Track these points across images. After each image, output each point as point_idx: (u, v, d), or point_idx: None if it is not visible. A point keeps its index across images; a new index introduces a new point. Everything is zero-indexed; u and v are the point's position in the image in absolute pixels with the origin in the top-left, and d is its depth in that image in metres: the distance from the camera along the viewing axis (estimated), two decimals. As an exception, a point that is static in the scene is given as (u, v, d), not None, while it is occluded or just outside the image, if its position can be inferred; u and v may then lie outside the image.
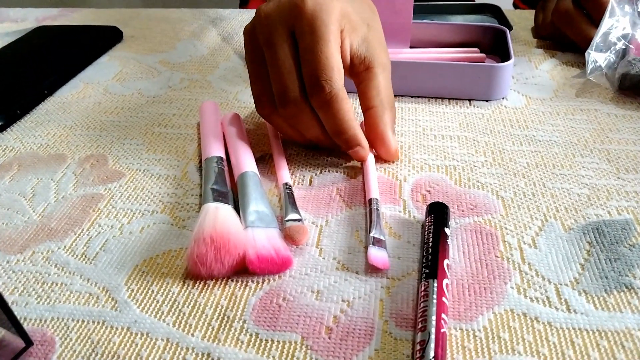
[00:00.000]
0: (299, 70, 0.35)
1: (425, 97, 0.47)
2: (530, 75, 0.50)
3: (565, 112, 0.44)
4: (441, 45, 0.53)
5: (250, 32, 0.37)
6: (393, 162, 0.38)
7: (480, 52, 0.51)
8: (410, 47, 0.52)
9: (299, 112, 0.36)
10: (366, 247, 0.31)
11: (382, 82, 0.37)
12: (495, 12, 0.61)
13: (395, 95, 0.47)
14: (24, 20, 0.71)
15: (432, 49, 0.52)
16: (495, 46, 0.51)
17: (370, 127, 0.37)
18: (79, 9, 0.75)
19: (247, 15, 0.68)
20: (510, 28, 0.56)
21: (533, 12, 0.61)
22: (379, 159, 0.39)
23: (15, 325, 0.25)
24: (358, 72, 0.37)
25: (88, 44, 0.60)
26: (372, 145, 0.38)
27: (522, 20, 0.61)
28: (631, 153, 0.39)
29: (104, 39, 0.61)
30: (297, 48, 0.35)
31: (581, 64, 0.51)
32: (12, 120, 0.46)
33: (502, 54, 0.49)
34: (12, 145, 0.43)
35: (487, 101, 0.45)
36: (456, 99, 0.46)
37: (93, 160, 0.41)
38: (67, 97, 0.50)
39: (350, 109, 0.35)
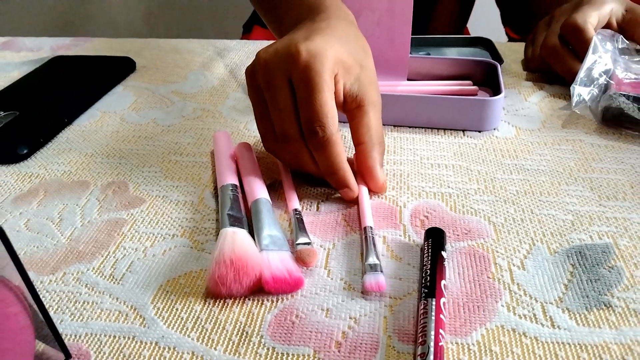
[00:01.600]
0: (297, 112, 0.38)
1: (422, 128, 0.50)
2: (520, 107, 0.53)
3: (552, 142, 0.47)
4: (437, 78, 0.57)
5: (251, 74, 0.40)
6: (382, 194, 0.42)
7: (473, 84, 0.55)
8: (408, 80, 0.56)
9: (298, 150, 0.39)
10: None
11: (373, 119, 0.40)
12: (487, 45, 0.65)
13: (394, 126, 0.50)
14: (40, 49, 0.75)
15: (428, 82, 0.56)
16: (487, 78, 0.55)
17: (360, 161, 0.41)
18: (91, 38, 0.78)
19: (253, 46, 0.71)
20: (501, 62, 0.59)
21: (523, 45, 0.65)
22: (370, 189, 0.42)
23: (57, 338, 0.28)
24: (350, 109, 0.40)
25: (103, 74, 0.63)
26: (362, 178, 0.41)
27: (513, 53, 0.65)
28: (612, 181, 0.42)
29: (118, 69, 0.64)
30: (295, 92, 0.38)
31: (567, 96, 0.55)
32: (36, 148, 0.49)
33: (494, 86, 0.53)
34: (37, 172, 0.46)
35: (479, 132, 0.49)
36: (451, 130, 0.50)
37: (115, 186, 0.44)
38: (86, 126, 0.53)
39: (342, 152, 0.39)
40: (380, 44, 0.53)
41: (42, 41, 0.78)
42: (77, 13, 1.77)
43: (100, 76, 0.62)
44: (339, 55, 0.39)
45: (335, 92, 0.39)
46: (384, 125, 0.49)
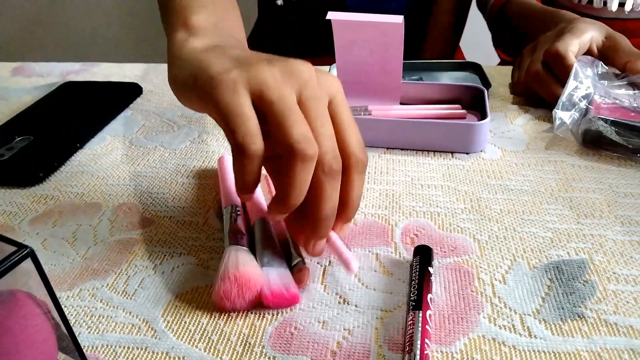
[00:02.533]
0: None
1: (413, 150, 0.53)
2: (505, 130, 0.56)
3: (535, 163, 0.51)
4: (428, 102, 0.60)
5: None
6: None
7: (463, 108, 0.58)
8: (400, 104, 0.59)
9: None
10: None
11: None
12: (477, 69, 0.69)
13: (387, 148, 0.53)
14: (50, 74, 0.78)
15: (420, 106, 0.59)
16: (475, 102, 0.58)
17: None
18: (98, 63, 0.82)
19: (254, 71, 0.75)
20: (488, 86, 0.63)
21: (511, 69, 0.68)
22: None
23: (78, 349, 0.31)
24: None
25: (111, 99, 0.66)
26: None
27: (501, 77, 0.69)
28: (590, 200, 0.45)
29: (125, 94, 0.68)
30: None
31: (551, 119, 0.58)
32: (50, 171, 0.52)
33: (482, 110, 0.56)
34: (52, 194, 0.49)
35: (467, 154, 0.52)
36: (440, 152, 0.53)
37: (125, 208, 0.47)
38: (97, 150, 0.57)
39: None
40: (374, 71, 0.56)
41: (51, 66, 0.81)
42: (81, 36, 1.82)
43: (108, 101, 0.66)
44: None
45: None
46: (378, 147, 0.53)
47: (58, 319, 0.30)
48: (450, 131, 0.52)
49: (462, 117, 0.57)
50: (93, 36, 1.82)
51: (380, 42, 0.54)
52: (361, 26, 0.54)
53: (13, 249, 0.28)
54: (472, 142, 0.52)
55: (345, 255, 0.35)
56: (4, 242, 0.28)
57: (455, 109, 0.58)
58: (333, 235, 0.37)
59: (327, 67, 0.72)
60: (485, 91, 0.57)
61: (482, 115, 0.55)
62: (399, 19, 0.53)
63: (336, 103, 0.36)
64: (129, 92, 0.68)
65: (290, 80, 0.34)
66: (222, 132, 0.59)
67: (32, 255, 0.27)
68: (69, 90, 0.70)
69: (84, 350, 0.33)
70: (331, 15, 0.53)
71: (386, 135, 0.53)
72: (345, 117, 0.36)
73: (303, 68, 0.35)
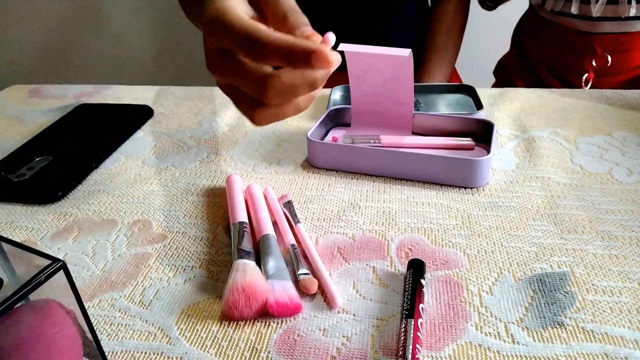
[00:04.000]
0: None
1: (414, 181, 0.55)
2: (496, 152, 0.60)
3: (523, 180, 0.54)
4: (441, 133, 0.61)
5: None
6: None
7: (474, 141, 0.59)
8: (415, 134, 0.61)
9: None
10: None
11: None
12: (470, 91, 0.72)
13: (387, 177, 0.57)
14: (65, 96, 0.82)
15: (431, 137, 0.60)
16: (486, 135, 0.59)
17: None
18: (111, 85, 0.86)
19: (259, 93, 0.78)
20: (480, 107, 0.66)
21: (502, 92, 0.72)
22: None
23: (102, 355, 0.34)
24: None
25: (124, 121, 0.70)
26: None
27: (493, 100, 0.72)
28: (573, 217, 0.48)
29: (137, 116, 0.71)
30: None
31: (540, 138, 0.61)
32: (68, 190, 0.56)
33: (489, 141, 0.56)
34: (71, 212, 0.53)
35: (469, 188, 0.53)
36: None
37: (140, 224, 0.50)
38: (112, 169, 0.60)
39: None
40: (387, 101, 0.59)
41: (66, 89, 0.85)
42: (93, 57, 1.87)
43: (121, 123, 0.70)
44: None
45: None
46: (379, 176, 0.55)
47: (84, 326, 0.33)
48: (451, 166, 0.52)
49: (470, 148, 0.58)
50: (105, 60, 1.86)
51: (391, 73, 0.57)
52: (372, 57, 0.56)
53: (44, 261, 0.31)
54: (474, 177, 0.52)
55: (333, 291, 0.40)
56: (37, 255, 0.32)
57: (465, 142, 0.59)
58: (325, 274, 0.42)
59: (329, 89, 0.76)
60: (495, 126, 0.58)
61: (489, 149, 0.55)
62: (406, 52, 0.54)
63: None
64: (140, 114, 0.72)
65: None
66: (228, 152, 0.62)
67: (64, 267, 0.30)
68: (83, 112, 0.74)
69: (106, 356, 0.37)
70: (343, 47, 0.55)
71: (392, 165, 0.55)
72: None
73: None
